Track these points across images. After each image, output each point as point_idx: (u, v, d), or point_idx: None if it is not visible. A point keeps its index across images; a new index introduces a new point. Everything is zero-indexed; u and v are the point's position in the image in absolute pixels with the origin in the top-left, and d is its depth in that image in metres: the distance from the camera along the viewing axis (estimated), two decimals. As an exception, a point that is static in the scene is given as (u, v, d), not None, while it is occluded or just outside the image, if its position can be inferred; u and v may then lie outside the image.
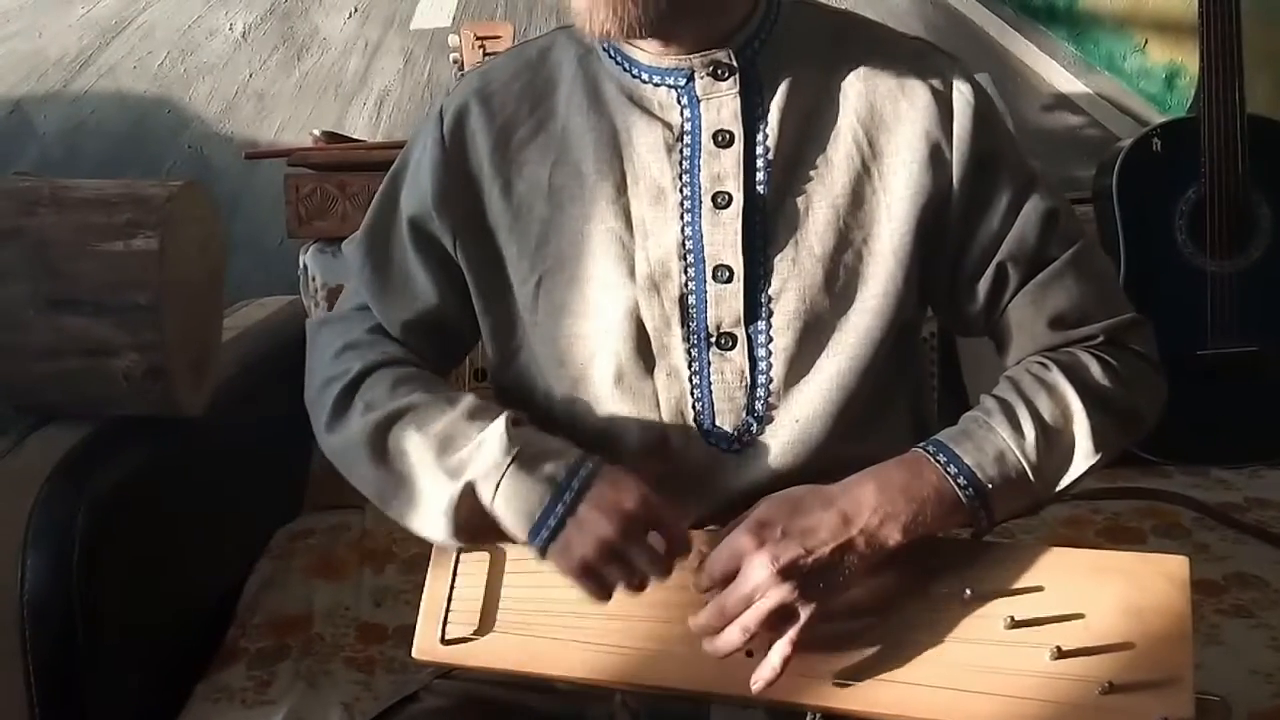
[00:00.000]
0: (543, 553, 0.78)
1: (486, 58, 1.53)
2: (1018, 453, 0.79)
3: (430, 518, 0.81)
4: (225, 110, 1.93)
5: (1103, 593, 0.77)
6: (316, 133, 1.74)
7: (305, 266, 1.61)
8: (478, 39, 1.59)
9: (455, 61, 1.65)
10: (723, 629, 0.77)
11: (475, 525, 0.80)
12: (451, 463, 0.80)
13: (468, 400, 0.83)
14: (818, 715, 0.78)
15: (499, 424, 0.80)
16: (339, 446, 0.86)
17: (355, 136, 1.86)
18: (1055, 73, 1.94)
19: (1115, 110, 1.94)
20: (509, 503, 0.78)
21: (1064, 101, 1.95)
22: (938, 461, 0.79)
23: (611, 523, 0.76)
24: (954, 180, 0.84)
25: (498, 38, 1.59)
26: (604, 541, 0.76)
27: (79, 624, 1.01)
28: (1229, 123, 1.55)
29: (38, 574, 1.00)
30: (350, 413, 0.86)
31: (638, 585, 0.78)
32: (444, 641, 0.84)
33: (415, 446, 0.82)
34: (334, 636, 1.21)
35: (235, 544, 1.36)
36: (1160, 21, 1.92)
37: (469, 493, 0.79)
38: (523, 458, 0.79)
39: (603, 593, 0.78)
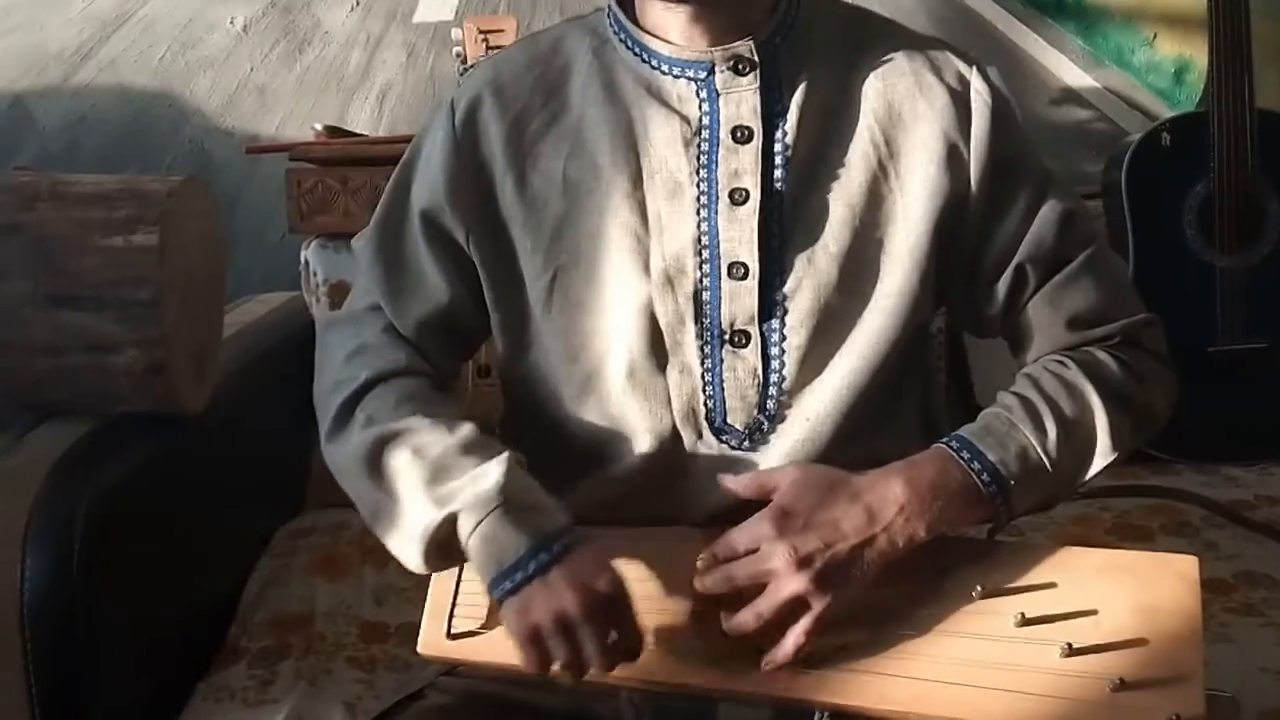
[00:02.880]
0: (499, 603, 0.77)
1: (489, 51, 1.53)
2: (1039, 450, 0.79)
3: (405, 540, 0.80)
4: (226, 105, 1.93)
5: (1113, 591, 0.77)
6: (318, 127, 1.73)
7: (307, 262, 1.60)
8: (481, 33, 1.58)
9: (458, 55, 1.64)
10: (725, 589, 0.77)
11: (444, 558, 0.80)
12: (441, 491, 0.79)
13: (466, 430, 0.82)
14: (826, 713, 0.77)
15: (501, 462, 0.79)
16: (337, 457, 0.86)
17: (357, 131, 1.85)
18: (1064, 67, 1.93)
19: (1124, 105, 1.93)
20: (485, 544, 0.77)
21: (1072, 96, 1.94)
22: (962, 458, 0.79)
23: (578, 598, 0.74)
24: (971, 181, 0.84)
25: (501, 31, 1.58)
26: (563, 614, 0.74)
27: (79, 622, 1.00)
28: (1238, 117, 1.54)
29: (38, 572, 1.00)
30: (351, 425, 0.85)
31: (576, 671, 0.76)
32: (450, 636, 0.84)
33: (408, 469, 0.81)
34: (336, 635, 1.21)
35: (236, 542, 1.36)
36: (1169, 15, 1.91)
37: (449, 523, 0.78)
38: (513, 504, 0.78)
39: (540, 665, 0.76)
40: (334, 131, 1.73)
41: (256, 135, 1.92)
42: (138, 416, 1.12)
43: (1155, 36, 1.92)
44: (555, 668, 0.76)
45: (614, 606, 0.76)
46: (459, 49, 1.63)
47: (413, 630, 0.86)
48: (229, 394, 1.23)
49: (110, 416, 1.13)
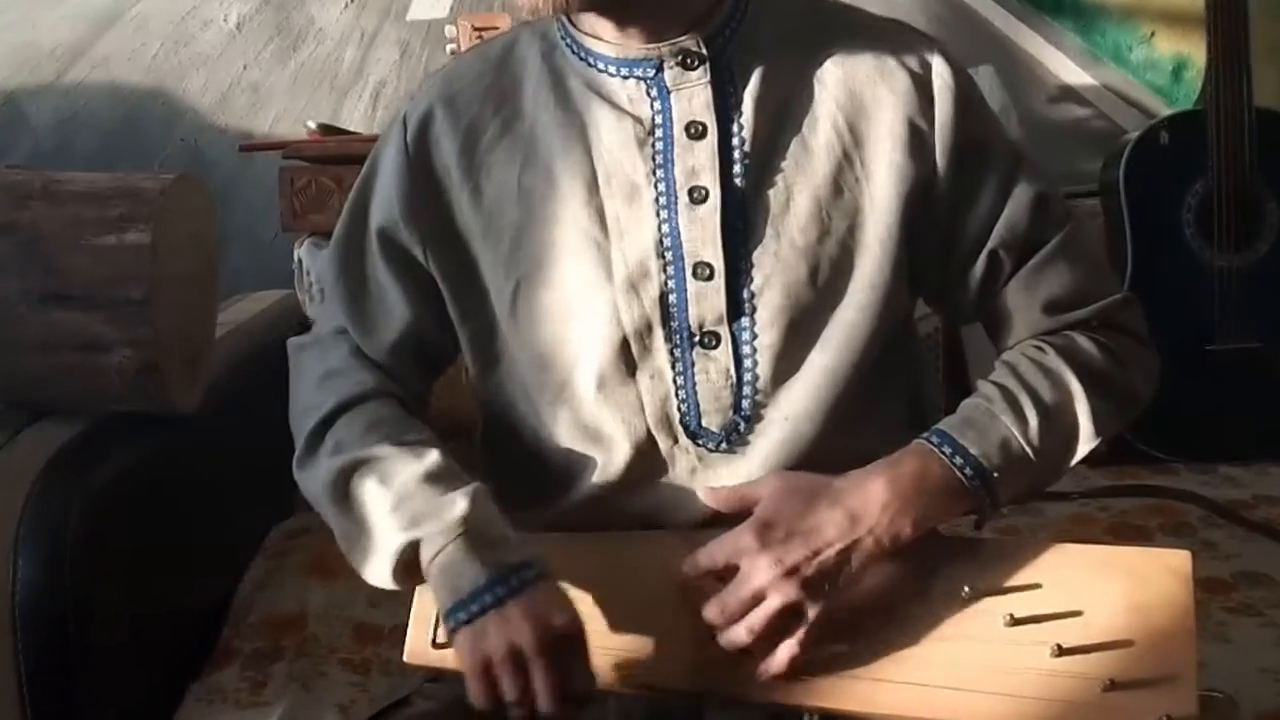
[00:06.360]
0: (452, 633, 0.76)
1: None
2: (1021, 439, 0.78)
3: (377, 565, 0.80)
4: (219, 102, 1.92)
5: (1104, 588, 0.76)
6: (312, 125, 1.72)
7: (300, 260, 1.60)
8: (475, 30, 1.57)
9: (452, 53, 1.63)
10: (724, 626, 0.76)
11: (413, 578, 0.80)
12: (406, 517, 0.79)
13: (433, 458, 0.82)
14: (815, 715, 0.77)
15: (467, 493, 0.79)
16: (308, 483, 0.87)
17: (351, 129, 1.85)
18: (1062, 65, 1.93)
19: (1122, 102, 1.93)
20: (444, 572, 0.77)
21: (1070, 94, 1.93)
22: (943, 453, 0.78)
23: (533, 632, 0.73)
24: (938, 166, 0.82)
25: (495, 29, 1.57)
26: (516, 648, 0.73)
27: (71, 623, 1.00)
28: (1236, 115, 1.54)
29: (29, 572, 0.99)
30: (320, 452, 0.85)
31: (524, 708, 0.74)
32: (435, 644, 0.83)
33: (374, 497, 0.81)
34: (329, 637, 1.20)
35: (230, 542, 1.35)
36: (1167, 13, 1.90)
37: (412, 548, 0.78)
38: (475, 535, 0.77)
39: (487, 698, 0.75)
40: (327, 129, 1.73)
41: (250, 133, 1.92)
42: (130, 416, 1.12)
43: (1153, 34, 1.91)
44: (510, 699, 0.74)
45: (569, 645, 0.74)
46: (453, 46, 1.63)
47: (406, 633, 0.86)
48: (221, 393, 1.23)
49: (102, 416, 1.12)
